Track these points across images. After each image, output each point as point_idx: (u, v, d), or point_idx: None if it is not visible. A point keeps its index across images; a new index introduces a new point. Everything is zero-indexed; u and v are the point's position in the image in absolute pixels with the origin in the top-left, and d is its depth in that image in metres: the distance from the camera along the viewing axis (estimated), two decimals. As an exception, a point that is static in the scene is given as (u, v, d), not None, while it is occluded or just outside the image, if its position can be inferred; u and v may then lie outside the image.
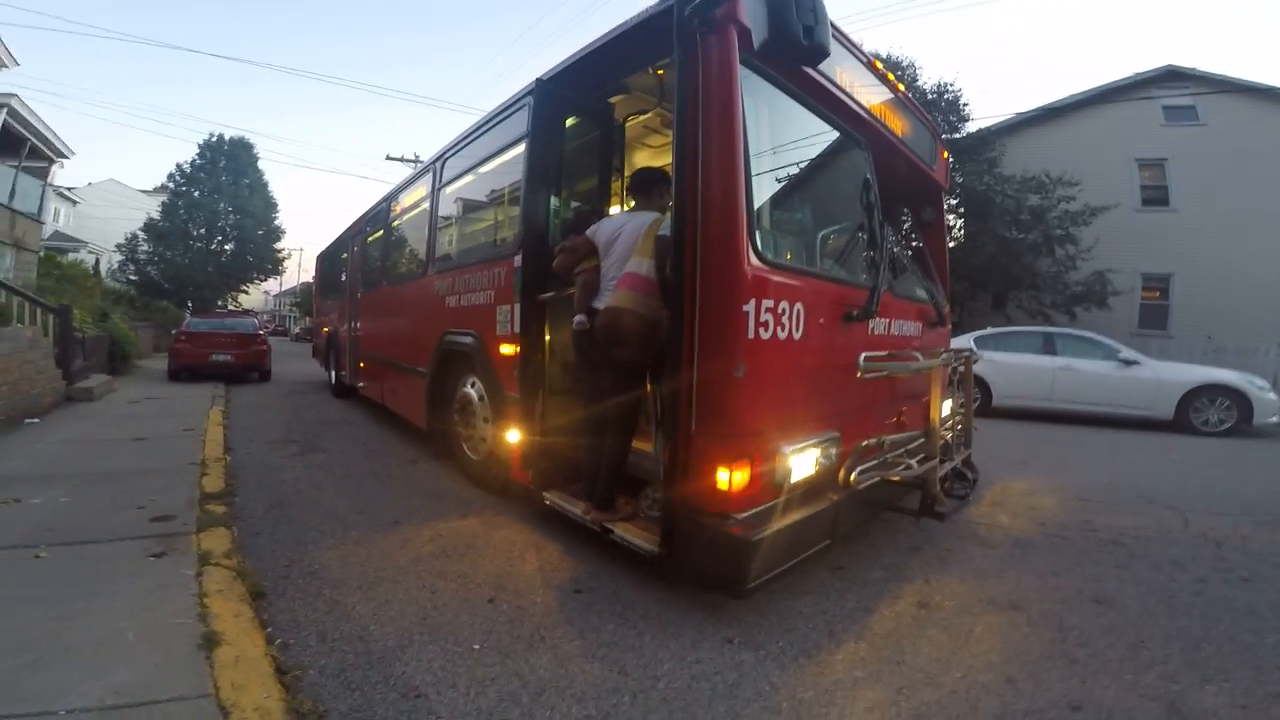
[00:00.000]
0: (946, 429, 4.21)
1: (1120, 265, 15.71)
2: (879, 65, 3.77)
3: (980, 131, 17.70)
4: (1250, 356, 13.54)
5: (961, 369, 4.39)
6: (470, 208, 5.58)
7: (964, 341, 10.94)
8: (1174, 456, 7.27)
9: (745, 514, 2.57)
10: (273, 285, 52.57)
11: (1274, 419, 9.15)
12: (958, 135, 17.24)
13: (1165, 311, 17.33)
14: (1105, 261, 15.43)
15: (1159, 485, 5.64)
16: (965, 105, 17.48)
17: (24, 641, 2.24)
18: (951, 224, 17.02)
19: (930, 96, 17.04)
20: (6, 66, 16.77)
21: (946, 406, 4.42)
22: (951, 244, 16.52)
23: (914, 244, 5.22)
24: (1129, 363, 9.82)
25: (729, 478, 2.55)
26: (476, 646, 2.47)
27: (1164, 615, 2.90)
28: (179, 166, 32.75)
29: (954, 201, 16.72)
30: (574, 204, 4.32)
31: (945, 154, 5.11)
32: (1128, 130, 17.41)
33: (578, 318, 3.44)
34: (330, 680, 2.21)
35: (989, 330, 11.79)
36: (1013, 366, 10.51)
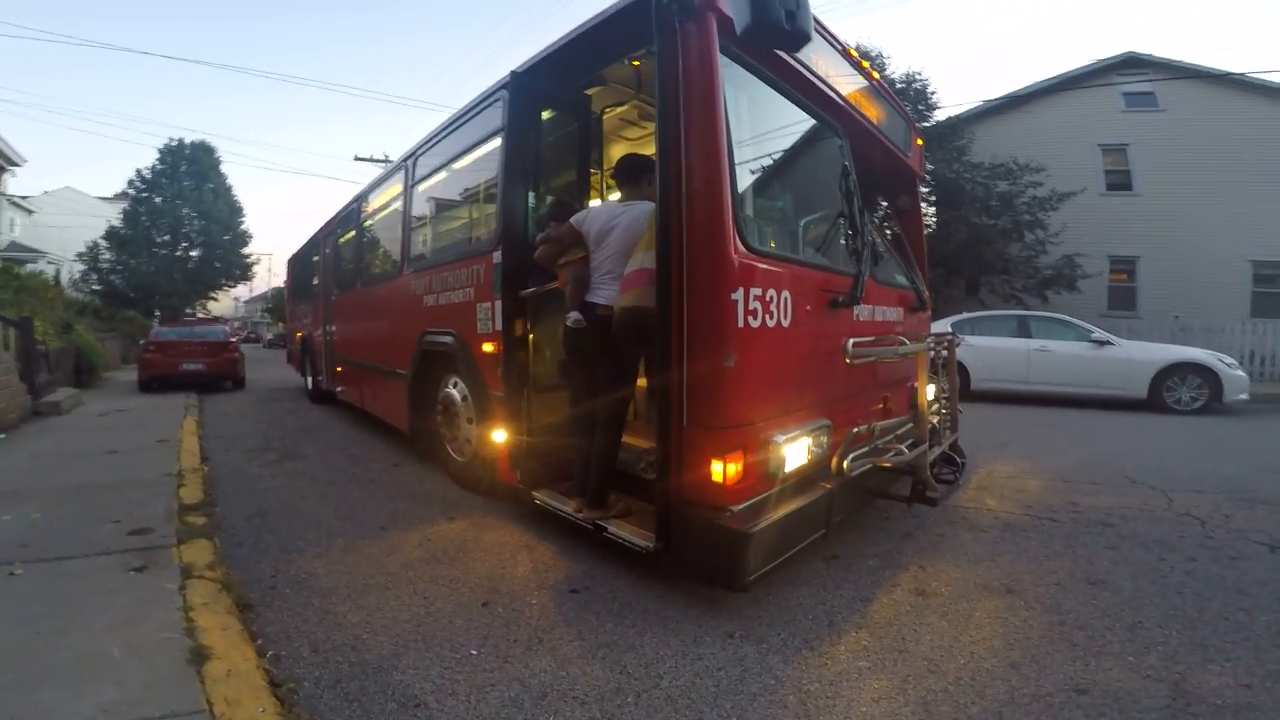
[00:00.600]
0: (933, 413, 4.24)
1: (1088, 249, 16.14)
2: (854, 53, 3.78)
3: (949, 120, 18.00)
4: (1217, 335, 13.93)
5: (945, 353, 4.43)
6: (445, 205, 5.49)
7: (942, 326, 11.10)
8: (1149, 435, 7.41)
9: (741, 505, 2.55)
10: (243, 291, 51.65)
11: (1243, 396, 9.41)
12: (927, 124, 17.50)
13: (1133, 293, 17.79)
14: (1073, 245, 15.83)
15: (1138, 464, 5.73)
16: (933, 94, 17.75)
17: (5, 661, 2.16)
18: (924, 211, 17.28)
19: (899, 86, 17.24)
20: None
21: (931, 391, 4.45)
22: (926, 231, 16.78)
23: (892, 230, 5.24)
24: (1102, 343, 10.01)
25: (723, 469, 2.53)
26: (474, 652, 2.42)
27: (1158, 595, 2.92)
28: (139, 172, 31.99)
29: (926, 189, 16.96)
30: (550, 197, 4.26)
31: (919, 141, 5.15)
32: (1090, 117, 17.84)
33: (573, 315, 3.34)
34: (326, 692, 2.16)
35: (965, 315, 11.95)
36: (989, 350, 10.67)
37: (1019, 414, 9.23)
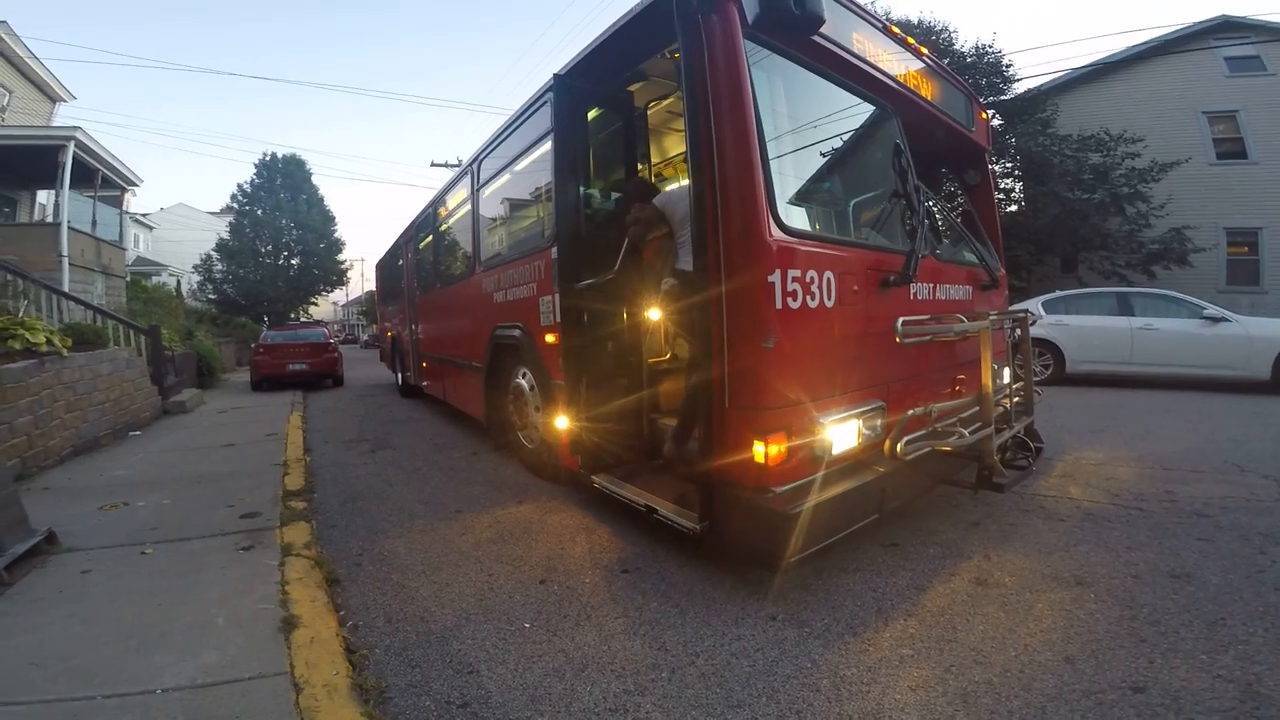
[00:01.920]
0: (1004, 395, 4.07)
1: (1199, 221, 14.97)
2: (896, 30, 3.69)
3: (1029, 92, 17.08)
4: (1354, 309, 12.47)
5: (1018, 331, 4.23)
6: (508, 205, 5.73)
7: (1031, 306, 10.50)
8: (1271, 421, 6.71)
9: (783, 487, 2.57)
10: (339, 295, 54.86)
11: (1385, 379, 8.37)
12: (1005, 97, 16.65)
13: (1256, 267, 16.31)
14: (1182, 218, 14.70)
15: (1252, 451, 5.26)
16: (1009, 66, 16.90)
17: (130, 629, 2.50)
18: (1010, 188, 16.40)
19: (969, 60, 16.44)
20: (64, 100, 17.99)
21: (1006, 373, 4.28)
22: (1012, 207, 15.93)
23: (961, 207, 5.04)
24: (1216, 319, 9.13)
25: (764, 450, 2.56)
26: (527, 625, 2.58)
27: (1249, 591, 2.69)
28: (240, 187, 34.20)
29: (1009, 165, 16.09)
30: (613, 194, 4.38)
31: (984, 115, 4.92)
32: (1189, 83, 16.66)
33: (668, 281, 3.59)
34: (393, 658, 2.37)
35: (1057, 293, 11.22)
36: (1086, 330, 10.00)
37: (1121, 397, 8.62)
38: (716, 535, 2.80)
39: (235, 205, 34.33)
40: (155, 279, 26.32)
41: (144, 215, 34.55)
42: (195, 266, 33.19)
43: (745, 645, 2.39)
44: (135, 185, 17.61)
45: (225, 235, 33.40)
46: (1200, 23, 16.78)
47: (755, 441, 2.58)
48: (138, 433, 7.46)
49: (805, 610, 2.65)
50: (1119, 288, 12.00)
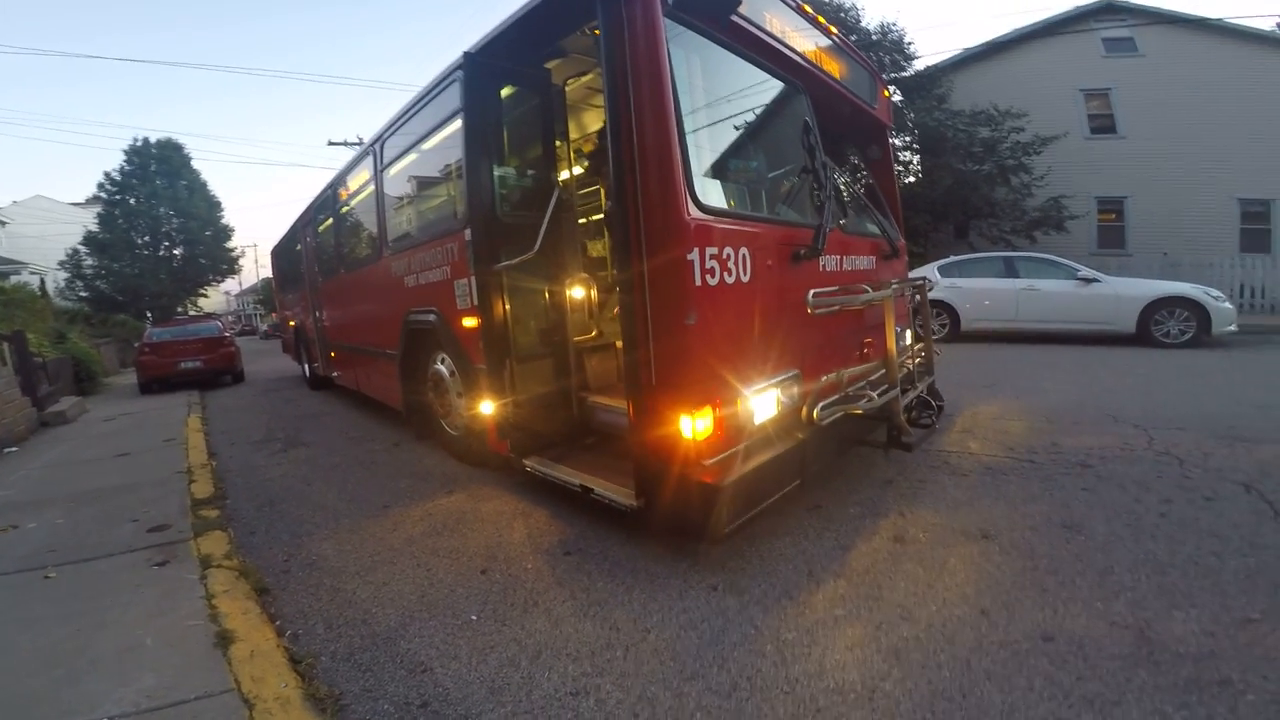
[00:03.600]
0: (907, 358, 4.33)
1: (1074, 191, 16.42)
2: (808, 9, 3.78)
3: (927, 69, 18.10)
4: (1205, 270, 14.10)
5: (918, 297, 4.49)
6: (415, 186, 5.52)
7: (928, 270, 11.26)
8: (1137, 371, 7.47)
9: (711, 460, 2.64)
10: (232, 285, 51.40)
11: (1231, 328, 9.48)
12: (905, 74, 17.55)
13: (1121, 232, 17.94)
14: (1059, 188, 16.05)
15: (1123, 402, 5.80)
16: (910, 44, 17.84)
17: (52, 657, 2.33)
18: (908, 160, 17.28)
19: (874, 37, 17.17)
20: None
21: (908, 336, 4.55)
22: (911, 179, 16.84)
23: (864, 181, 5.29)
24: (1089, 280, 10.09)
25: (691, 425, 2.62)
26: (474, 617, 2.58)
27: (1131, 540, 2.94)
28: (108, 175, 31.46)
29: (908, 139, 16.95)
30: (530, 172, 4.30)
31: (886, 93, 5.16)
32: (1070, 62, 17.95)
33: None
34: (341, 664, 2.31)
35: (952, 258, 12.07)
36: (977, 291, 10.84)
37: (1009, 353, 9.37)
38: (653, 511, 2.86)
39: (104, 195, 31.40)
40: (14, 278, 23.71)
41: (-6, 211, 31.10)
42: (61, 263, 30.17)
43: (692, 617, 2.47)
44: (-20, 179, 15.73)
45: (94, 228, 30.51)
46: (1084, 6, 18.03)
47: (682, 416, 2.64)
48: (14, 449, 6.76)
49: (743, 578, 2.76)
50: (1005, 252, 12.98)
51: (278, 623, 2.61)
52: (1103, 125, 17.91)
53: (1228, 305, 9.63)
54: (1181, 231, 16.61)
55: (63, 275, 30.45)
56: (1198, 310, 9.43)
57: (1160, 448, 4.34)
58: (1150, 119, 17.07)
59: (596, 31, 3.93)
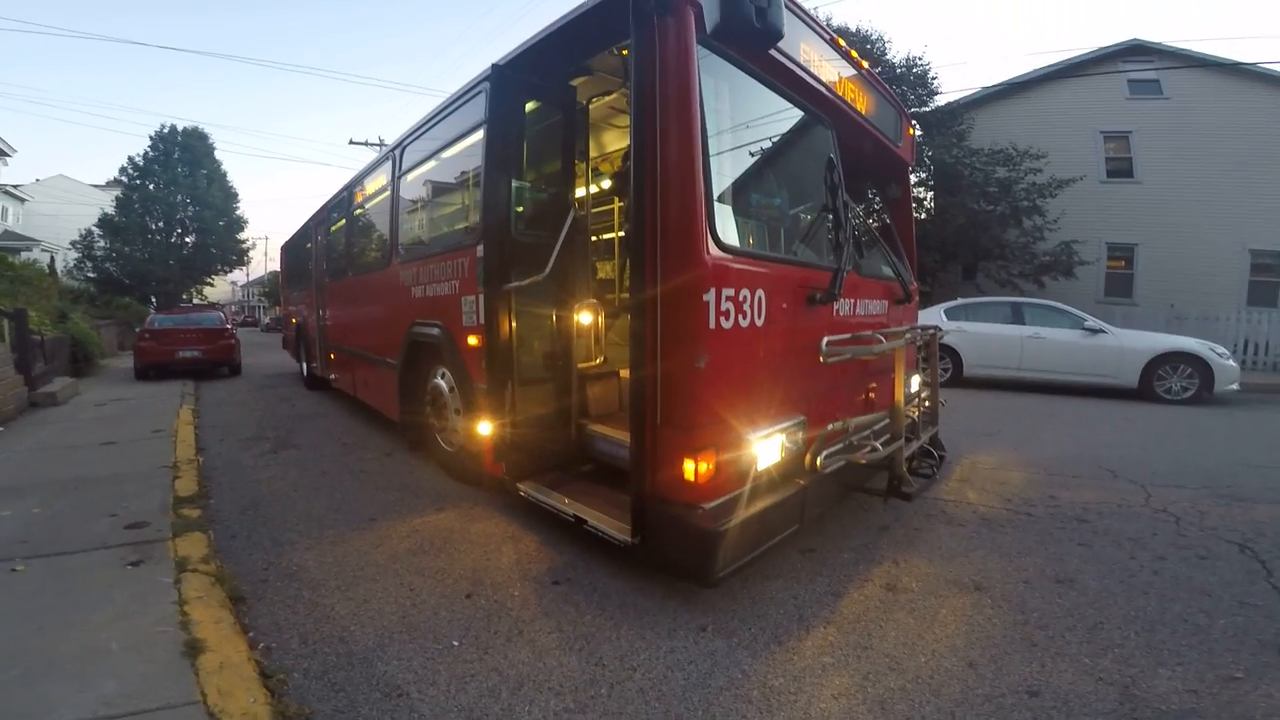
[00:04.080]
0: (913, 407, 4.28)
1: (1086, 236, 16.22)
2: (842, 42, 3.75)
3: (949, 105, 17.99)
4: (1211, 324, 14.00)
5: (928, 345, 4.45)
6: (432, 195, 5.50)
7: (935, 313, 11.18)
8: (1138, 426, 7.44)
9: (711, 503, 2.61)
10: (239, 276, 51.55)
11: (1234, 386, 9.43)
12: (926, 109, 17.49)
13: (1130, 280, 17.84)
14: (1071, 232, 15.85)
15: (1123, 456, 5.78)
16: (934, 79, 17.77)
17: (9, 656, 2.25)
18: (921, 196, 17.31)
19: (899, 70, 17.19)
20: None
21: (915, 382, 4.50)
22: (922, 216, 16.85)
23: (880, 220, 5.26)
24: (1095, 331, 10.04)
25: (694, 468, 2.58)
26: (456, 643, 2.51)
27: (1123, 595, 2.95)
28: (131, 159, 32.02)
29: (924, 174, 16.97)
30: (547, 190, 4.26)
31: (911, 130, 5.13)
32: (1093, 104, 17.78)
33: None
34: (314, 682, 2.25)
35: (959, 301, 12.02)
36: (983, 336, 10.74)
37: (1011, 401, 9.30)
38: (648, 549, 2.81)
39: (125, 179, 31.77)
40: (24, 255, 23.80)
41: (15, 186, 31.39)
42: (73, 243, 30.36)
43: (679, 658, 2.41)
44: (6, 155, 15.95)
45: (110, 210, 30.70)
46: (1112, 46, 17.94)
47: (686, 459, 2.61)
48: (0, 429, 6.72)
49: (733, 620, 2.70)
50: (1013, 298, 12.91)
51: (251, 634, 2.54)
52: (1119, 169, 17.82)
53: (1231, 363, 9.57)
54: (1190, 282, 16.48)
55: (73, 255, 30.60)
56: (1201, 366, 9.38)
57: (1157, 505, 4.36)
58: (1168, 164, 16.95)
59: (625, 52, 3.93)
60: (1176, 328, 13.32)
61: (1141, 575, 3.19)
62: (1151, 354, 9.60)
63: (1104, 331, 10.02)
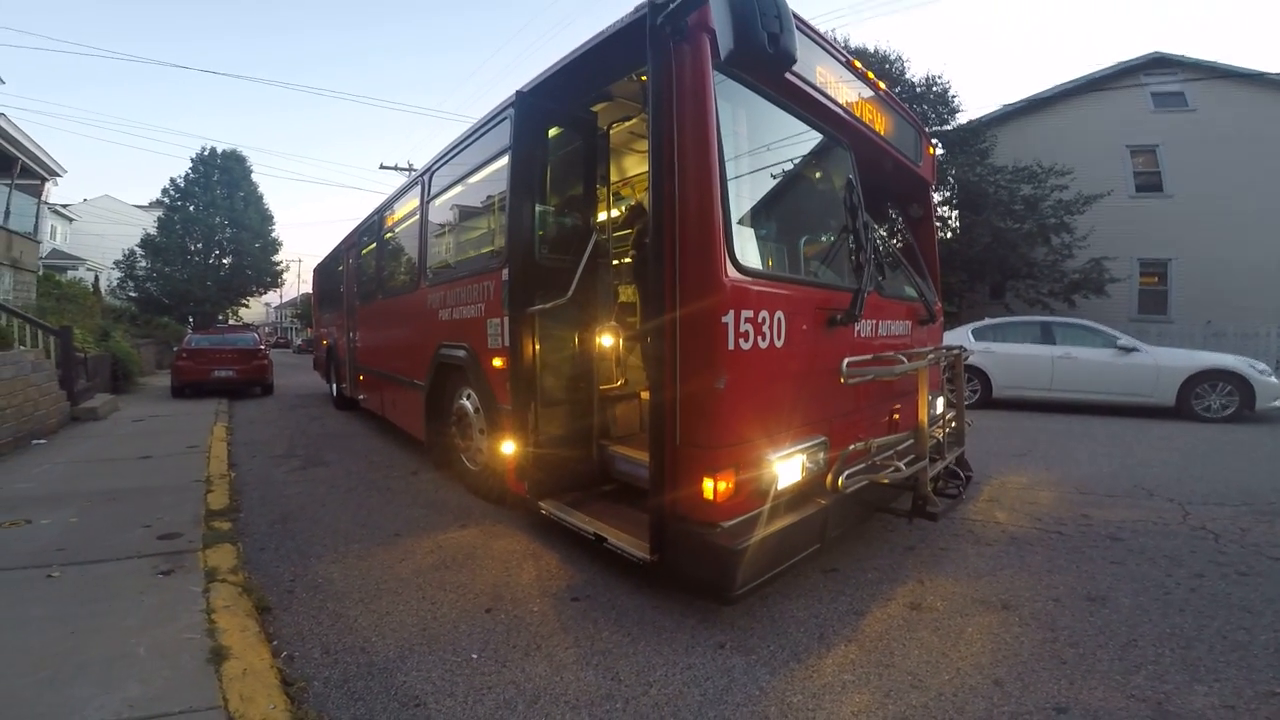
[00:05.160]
0: (938, 427, 4.22)
1: (1116, 252, 15.87)
2: (858, 65, 3.78)
3: (970, 123, 17.91)
4: (1251, 340, 13.59)
5: (953, 366, 4.40)
6: (459, 220, 5.63)
7: (961, 333, 11.00)
8: (1175, 445, 7.23)
9: (731, 522, 2.61)
10: (273, 297, 52.79)
11: (1276, 403, 9.08)
12: (948, 127, 17.43)
13: (1164, 297, 17.42)
14: (1101, 249, 15.55)
15: (1159, 476, 5.63)
16: (954, 97, 17.70)
17: (41, 659, 2.32)
18: (946, 216, 17.15)
19: (919, 89, 17.18)
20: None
21: (940, 404, 4.44)
22: (947, 235, 16.68)
23: (903, 241, 5.23)
24: (1128, 350, 9.79)
25: (714, 487, 2.59)
26: (474, 656, 2.53)
27: (1157, 613, 2.88)
28: (173, 181, 32.77)
29: (948, 193, 16.84)
30: (570, 215, 4.33)
31: (932, 150, 5.12)
32: (1118, 118, 17.55)
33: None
34: (334, 691, 2.28)
35: (986, 321, 11.80)
36: (1012, 357, 10.52)
37: (1041, 422, 9.09)
38: (667, 567, 2.81)
39: (167, 200, 32.79)
40: (71, 273, 24.72)
41: (64, 206, 32.72)
42: (117, 262, 31.42)
43: (696, 674, 2.41)
44: (57, 175, 16.67)
45: (152, 231, 31.74)
46: (1133, 59, 17.78)
47: (705, 479, 2.61)
48: (42, 441, 6.95)
49: (752, 637, 2.69)
50: (1043, 317, 12.66)
51: (275, 643, 2.60)
52: (1149, 183, 17.50)
53: (1273, 379, 9.24)
54: (1227, 297, 16.00)
55: (116, 274, 31.63)
56: (1241, 384, 9.08)
57: (1195, 523, 4.24)
58: (1198, 177, 16.59)
59: (644, 78, 4.00)
60: (1214, 344, 12.96)
61: (1178, 592, 3.11)
62: (1188, 372, 9.32)
63: (1138, 350, 9.77)
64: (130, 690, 2.12)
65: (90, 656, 2.35)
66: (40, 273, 16.51)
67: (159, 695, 2.10)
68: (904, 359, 3.40)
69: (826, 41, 3.48)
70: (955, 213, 17.24)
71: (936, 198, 16.70)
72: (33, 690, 2.13)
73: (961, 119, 17.84)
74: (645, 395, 3.85)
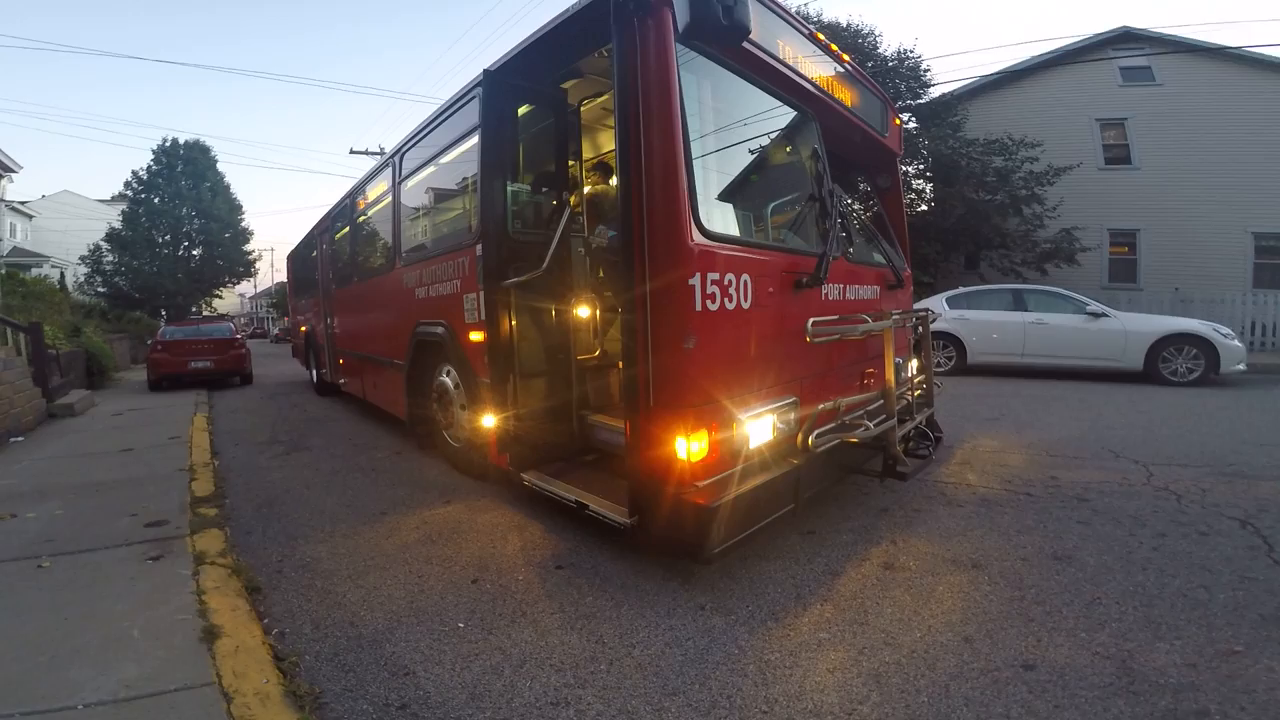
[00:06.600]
0: (907, 389, 4.34)
1: (1087, 223, 16.26)
2: (821, 38, 3.83)
3: (943, 96, 18.07)
4: (1217, 306, 13.96)
5: (920, 329, 4.50)
6: (431, 199, 5.62)
7: (935, 301, 11.20)
8: (1142, 408, 7.42)
9: (704, 482, 2.67)
10: (247, 288, 51.94)
11: (1240, 367, 9.37)
12: (920, 101, 17.55)
13: (1133, 265, 17.83)
14: (1072, 219, 15.90)
15: (1126, 438, 5.79)
16: (927, 71, 17.83)
17: (37, 645, 2.36)
18: (920, 188, 17.32)
19: (891, 64, 17.24)
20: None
21: (913, 366, 4.56)
22: (922, 207, 16.86)
23: (872, 209, 5.32)
24: (1097, 315, 10.02)
25: (687, 447, 2.65)
26: (461, 625, 2.60)
27: (1121, 572, 2.96)
28: (135, 174, 32.03)
29: (921, 166, 16.99)
30: (542, 190, 4.36)
31: (898, 121, 5.19)
32: (1087, 91, 17.84)
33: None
34: (325, 664, 2.34)
35: (960, 290, 12.03)
36: (985, 324, 10.77)
37: (1014, 387, 9.31)
38: (645, 529, 2.89)
39: (130, 193, 31.97)
40: (35, 271, 24.12)
41: (23, 203, 31.75)
42: (83, 258, 30.68)
43: (677, 635, 2.49)
44: (13, 171, 16.18)
45: (117, 225, 31.02)
46: (1102, 34, 18.00)
47: (678, 437, 2.67)
48: (20, 439, 6.86)
49: (731, 598, 2.77)
50: (1014, 285, 12.92)
51: (265, 620, 2.64)
52: (1118, 156, 17.84)
53: (1237, 344, 9.52)
54: (1194, 265, 16.49)
55: (83, 270, 30.94)
56: (1206, 348, 9.34)
57: (1159, 483, 4.35)
58: (1166, 150, 16.99)
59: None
60: (1182, 311, 13.29)
61: (1141, 551, 3.20)
62: (1155, 336, 9.58)
63: (1107, 315, 10.01)
64: (126, 670, 2.17)
65: (85, 640, 2.38)
66: (3, 271, 16.11)
67: (154, 674, 2.15)
68: (867, 318, 3.48)
69: (790, 15, 3.51)
70: (929, 185, 17.39)
71: (910, 170, 16.86)
72: (31, 673, 2.16)
73: (934, 93, 18.00)
74: (622, 364, 3.92)
